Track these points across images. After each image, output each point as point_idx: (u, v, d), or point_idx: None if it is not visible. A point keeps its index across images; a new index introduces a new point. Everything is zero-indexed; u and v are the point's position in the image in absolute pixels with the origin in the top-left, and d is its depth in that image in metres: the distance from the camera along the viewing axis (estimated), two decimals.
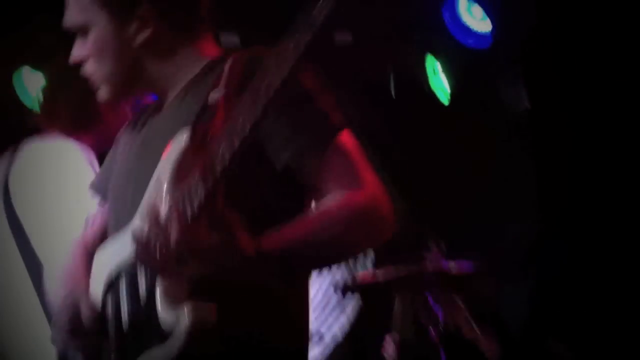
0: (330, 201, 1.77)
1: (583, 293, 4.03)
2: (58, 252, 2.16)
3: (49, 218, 2.30)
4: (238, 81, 1.76)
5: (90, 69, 2.00)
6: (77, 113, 2.56)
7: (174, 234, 1.59)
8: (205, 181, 1.61)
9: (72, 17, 2.01)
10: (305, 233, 1.74)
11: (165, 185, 1.73)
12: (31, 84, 4.38)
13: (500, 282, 3.68)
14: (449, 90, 4.24)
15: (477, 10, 3.92)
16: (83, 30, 1.99)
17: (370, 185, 1.80)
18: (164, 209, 1.66)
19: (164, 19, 1.96)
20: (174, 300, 1.65)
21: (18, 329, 2.36)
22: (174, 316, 1.62)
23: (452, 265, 3.08)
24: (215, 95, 1.77)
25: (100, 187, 2.14)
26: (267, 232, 1.70)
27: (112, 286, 1.81)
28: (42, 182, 2.36)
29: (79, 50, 2.01)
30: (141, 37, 1.95)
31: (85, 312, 1.82)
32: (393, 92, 4.53)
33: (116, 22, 1.96)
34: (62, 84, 2.64)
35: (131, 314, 1.76)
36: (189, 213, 1.62)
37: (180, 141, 1.75)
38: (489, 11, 3.90)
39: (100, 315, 1.82)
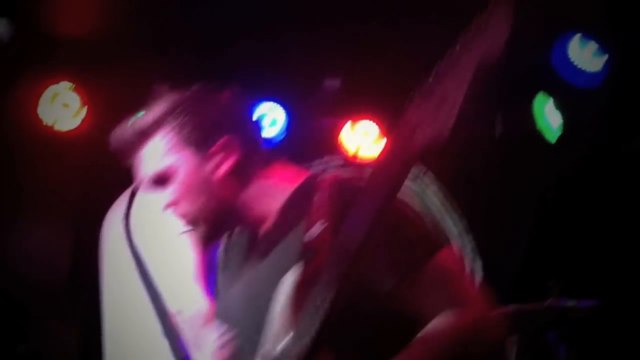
0: (435, 328, 1.81)
1: None
2: (176, 285, 2.28)
3: (168, 251, 2.34)
4: (337, 213, 1.82)
5: (182, 210, 2.08)
6: None
7: None
8: (315, 320, 1.69)
9: (152, 165, 2.08)
10: None
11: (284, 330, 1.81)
12: None
13: None
14: (557, 128, 4.25)
15: (589, 49, 3.95)
16: (162, 178, 2.08)
17: (475, 305, 1.84)
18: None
19: (243, 146, 2.08)
20: None
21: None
22: None
23: (572, 304, 3.06)
24: (316, 230, 1.86)
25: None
26: None
27: None
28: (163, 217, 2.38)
29: (167, 198, 2.08)
30: (225, 167, 2.06)
31: None
32: (498, 132, 4.55)
33: (200, 157, 2.07)
34: None
35: None
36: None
37: (290, 281, 1.85)
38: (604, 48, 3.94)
39: None
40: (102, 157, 4.38)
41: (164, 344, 2.25)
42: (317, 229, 1.86)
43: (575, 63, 4.11)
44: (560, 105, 4.31)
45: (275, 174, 2.12)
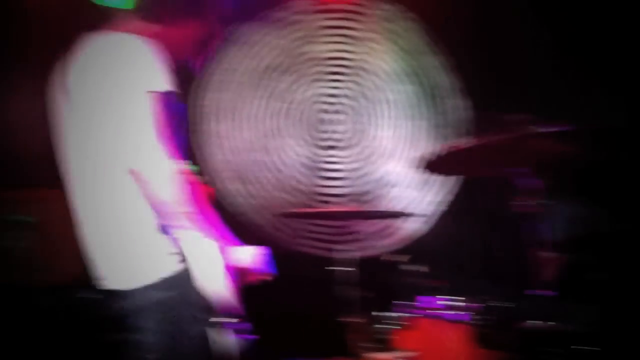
0: None
1: None
2: (120, 137, 2.25)
3: (119, 106, 2.27)
4: None
5: None
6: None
7: None
8: None
9: None
10: None
11: None
12: None
13: None
14: None
15: None
16: None
17: None
18: None
19: None
20: None
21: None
22: None
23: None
24: None
25: None
26: None
27: None
28: (110, 71, 2.29)
29: None
30: None
31: None
32: None
33: None
34: None
35: None
36: None
37: None
38: None
39: None
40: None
41: (144, 207, 2.25)
42: None
43: None
44: None
45: None
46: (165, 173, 2.18)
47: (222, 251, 2.28)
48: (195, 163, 2.38)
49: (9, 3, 4.68)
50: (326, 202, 4.89)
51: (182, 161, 2.24)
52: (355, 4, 4.94)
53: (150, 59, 2.28)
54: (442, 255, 4.65)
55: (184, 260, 2.25)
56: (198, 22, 2.51)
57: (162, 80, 2.26)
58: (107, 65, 2.29)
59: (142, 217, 2.28)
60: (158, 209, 2.24)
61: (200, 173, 2.40)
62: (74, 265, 4.33)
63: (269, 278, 2.40)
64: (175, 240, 2.25)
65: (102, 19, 2.51)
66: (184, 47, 2.49)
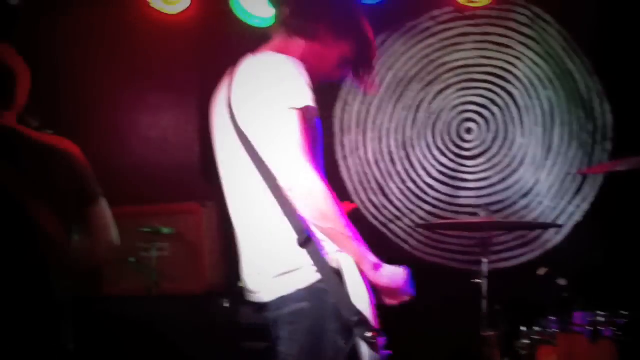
0: None
1: None
2: (277, 152, 2.28)
3: (267, 123, 2.32)
4: None
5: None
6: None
7: None
8: None
9: None
10: None
11: None
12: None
13: None
14: None
15: None
16: None
17: None
18: None
19: None
20: None
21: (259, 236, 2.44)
22: None
23: None
24: None
25: None
26: None
27: None
28: (259, 90, 2.36)
29: None
30: None
31: None
32: None
33: None
34: None
35: None
36: None
37: None
38: None
39: None
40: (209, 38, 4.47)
41: (283, 221, 2.27)
42: None
43: None
44: None
45: None
46: (309, 188, 2.20)
47: (362, 265, 2.28)
48: (333, 177, 2.40)
49: (175, 27, 4.86)
50: (464, 212, 4.82)
51: (323, 176, 2.26)
52: (494, 10, 4.85)
53: (297, 76, 2.33)
54: (584, 267, 4.49)
55: (324, 272, 2.26)
56: (339, 38, 2.54)
57: (307, 97, 2.30)
58: (259, 83, 2.36)
59: (285, 230, 2.31)
60: (301, 223, 2.27)
61: (337, 187, 2.41)
62: (213, 276, 4.48)
63: (408, 299, 2.37)
64: (315, 254, 2.27)
65: (260, 40, 2.60)
66: (326, 63, 2.54)
